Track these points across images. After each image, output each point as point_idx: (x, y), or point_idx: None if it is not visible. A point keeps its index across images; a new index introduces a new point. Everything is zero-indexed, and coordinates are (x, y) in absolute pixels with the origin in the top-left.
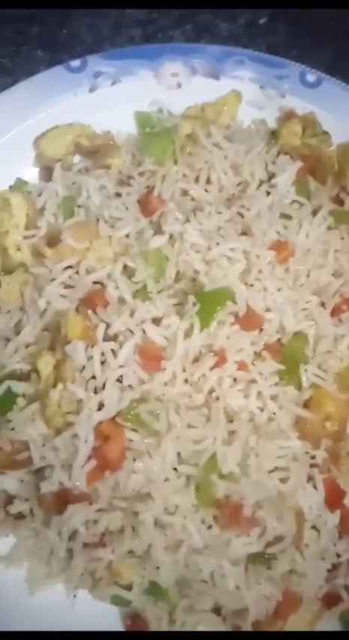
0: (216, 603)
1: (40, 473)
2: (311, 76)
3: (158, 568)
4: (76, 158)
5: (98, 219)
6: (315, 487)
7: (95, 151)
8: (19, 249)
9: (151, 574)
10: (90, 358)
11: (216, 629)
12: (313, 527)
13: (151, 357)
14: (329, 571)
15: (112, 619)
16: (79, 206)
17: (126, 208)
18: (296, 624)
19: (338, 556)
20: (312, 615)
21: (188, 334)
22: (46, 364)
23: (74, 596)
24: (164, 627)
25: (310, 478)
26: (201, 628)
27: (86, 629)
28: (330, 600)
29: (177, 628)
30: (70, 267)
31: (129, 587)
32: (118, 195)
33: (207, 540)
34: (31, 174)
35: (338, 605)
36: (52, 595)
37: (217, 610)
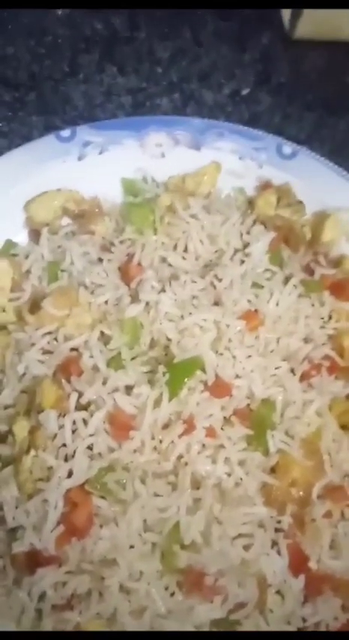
0: None
1: (13, 532)
2: (287, 148)
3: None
4: (65, 220)
5: (80, 285)
6: (279, 553)
7: (81, 215)
8: (4, 311)
9: None
10: (61, 427)
11: None
12: (277, 592)
13: (121, 427)
14: None
15: None
16: (62, 270)
17: (107, 275)
18: None
19: (304, 620)
20: None
21: (157, 403)
22: (22, 428)
23: None
24: None
25: (274, 543)
26: None
27: None
28: None
29: None
30: (49, 332)
31: None
32: (100, 260)
33: (170, 606)
34: (23, 235)
35: None
36: None
37: None
